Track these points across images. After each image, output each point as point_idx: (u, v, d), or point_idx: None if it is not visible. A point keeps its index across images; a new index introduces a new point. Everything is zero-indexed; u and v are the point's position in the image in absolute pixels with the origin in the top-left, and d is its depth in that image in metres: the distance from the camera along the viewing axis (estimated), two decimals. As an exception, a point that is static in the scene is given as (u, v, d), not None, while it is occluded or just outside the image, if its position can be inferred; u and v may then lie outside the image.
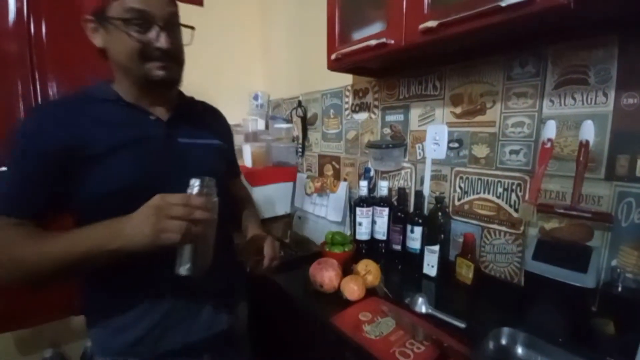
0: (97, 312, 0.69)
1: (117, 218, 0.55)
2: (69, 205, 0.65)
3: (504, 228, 0.99)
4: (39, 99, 1.31)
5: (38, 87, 1.31)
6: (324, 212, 1.52)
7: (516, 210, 0.95)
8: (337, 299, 0.94)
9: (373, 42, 0.92)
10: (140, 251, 0.53)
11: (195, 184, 0.56)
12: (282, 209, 1.76)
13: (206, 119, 0.83)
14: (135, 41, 0.62)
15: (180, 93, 0.81)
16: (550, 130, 0.86)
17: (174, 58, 0.67)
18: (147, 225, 0.52)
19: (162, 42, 0.63)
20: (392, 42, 0.89)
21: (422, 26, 0.80)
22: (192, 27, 0.71)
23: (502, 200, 0.98)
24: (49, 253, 0.55)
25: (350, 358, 0.76)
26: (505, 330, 0.80)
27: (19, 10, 1.26)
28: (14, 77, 1.27)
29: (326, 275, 0.95)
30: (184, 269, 0.55)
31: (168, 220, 0.51)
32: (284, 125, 1.83)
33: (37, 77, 1.31)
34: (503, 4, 0.65)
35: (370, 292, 0.97)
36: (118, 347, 0.68)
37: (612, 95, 0.77)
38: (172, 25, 0.66)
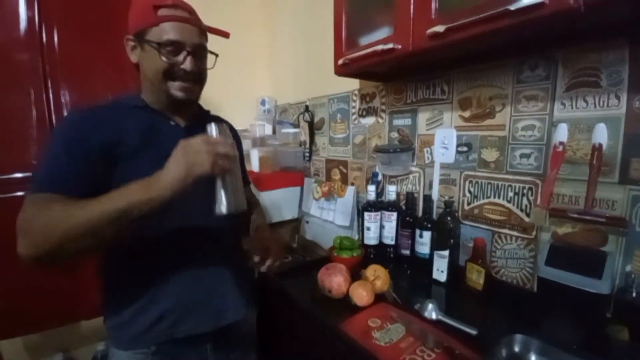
0: (113, 299, 0.76)
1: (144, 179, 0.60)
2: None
3: (515, 233, 0.97)
4: (52, 106, 1.33)
5: (51, 95, 1.33)
6: (332, 217, 1.52)
7: (528, 215, 0.94)
8: (345, 305, 0.93)
9: (380, 47, 0.92)
10: (177, 195, 0.59)
11: (212, 128, 0.65)
12: (289, 213, 1.76)
13: None
14: (165, 62, 0.71)
15: (199, 106, 0.90)
16: (562, 133, 0.84)
17: (196, 79, 0.77)
18: (179, 164, 0.59)
19: (187, 64, 0.73)
20: (400, 47, 0.89)
21: (429, 31, 0.79)
22: (216, 55, 0.81)
23: (513, 204, 0.97)
24: (84, 214, 0.57)
25: (361, 365, 0.76)
26: (519, 337, 0.79)
27: (30, 20, 1.29)
28: (27, 85, 1.30)
29: (335, 280, 0.95)
30: (222, 207, 0.63)
31: (196, 154, 0.59)
32: (291, 130, 1.83)
33: (49, 85, 1.33)
34: (512, 8, 0.64)
35: (379, 297, 0.96)
36: (129, 335, 0.74)
37: (624, 97, 0.76)
38: (199, 52, 0.76)
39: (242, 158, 1.00)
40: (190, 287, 0.77)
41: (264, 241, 0.86)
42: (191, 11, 0.76)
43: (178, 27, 0.71)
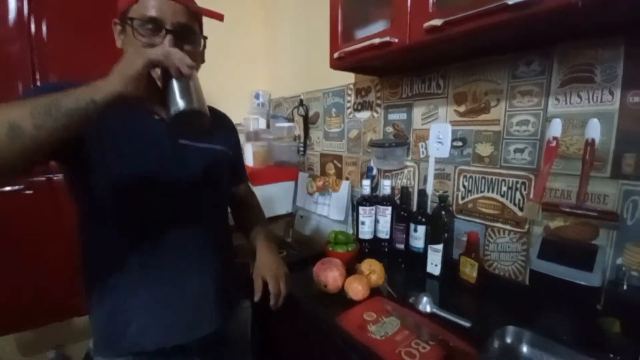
0: (91, 301, 0.72)
1: None
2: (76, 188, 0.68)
3: (508, 227, 0.98)
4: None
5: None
6: (326, 211, 1.52)
7: (521, 209, 0.95)
8: (341, 299, 0.94)
9: (377, 40, 0.92)
10: (130, 87, 0.51)
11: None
12: (283, 208, 1.76)
13: (213, 124, 0.79)
14: (141, 41, 0.64)
15: None
16: (555, 128, 0.85)
17: None
18: (133, 55, 0.52)
19: (166, 43, 0.64)
20: (397, 40, 0.89)
21: (427, 24, 0.79)
22: (204, 37, 0.73)
23: (507, 199, 0.98)
24: (37, 101, 0.48)
25: (356, 359, 0.76)
26: (511, 328, 0.80)
27: (19, 10, 1.25)
28: (15, 78, 1.26)
29: (330, 275, 0.95)
30: (179, 104, 0.54)
31: (150, 49, 0.57)
32: (286, 124, 1.82)
33: (37, 77, 1.30)
34: (510, 2, 0.64)
35: (375, 291, 0.97)
36: (104, 341, 0.72)
37: (618, 93, 0.76)
38: (184, 34, 0.67)
39: (239, 152, 0.97)
40: (160, 296, 0.71)
41: (264, 272, 0.82)
42: None
43: (158, 3, 0.64)
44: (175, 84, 0.55)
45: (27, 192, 1.30)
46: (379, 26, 0.97)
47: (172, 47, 0.58)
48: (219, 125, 0.87)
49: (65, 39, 1.34)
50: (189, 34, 0.69)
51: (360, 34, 1.04)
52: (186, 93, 0.55)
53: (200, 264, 0.76)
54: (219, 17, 0.72)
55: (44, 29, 1.31)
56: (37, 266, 1.35)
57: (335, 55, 1.10)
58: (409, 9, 0.85)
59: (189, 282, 0.74)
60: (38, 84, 1.30)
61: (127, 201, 0.67)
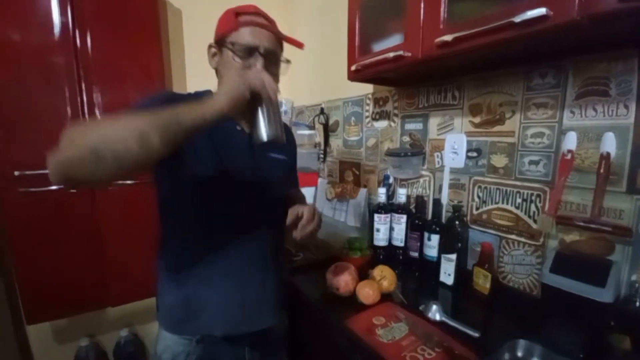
0: (163, 281, 0.82)
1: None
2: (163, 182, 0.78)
3: (523, 239, 0.98)
4: (85, 106, 1.43)
5: (84, 96, 1.43)
6: (344, 217, 1.56)
7: (535, 222, 0.95)
8: (352, 303, 0.97)
9: (391, 54, 0.95)
10: (231, 109, 0.59)
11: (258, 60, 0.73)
12: (303, 213, 1.81)
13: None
14: (238, 62, 0.75)
15: None
16: (570, 141, 0.85)
17: None
18: (235, 79, 0.61)
19: (258, 65, 0.75)
20: (410, 54, 0.92)
21: (437, 40, 0.82)
22: (289, 61, 0.83)
23: (521, 210, 0.98)
24: (130, 118, 0.52)
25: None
26: (522, 342, 0.80)
27: (64, 24, 1.37)
28: (62, 86, 1.39)
29: (342, 279, 0.99)
30: (262, 134, 0.65)
31: (250, 73, 0.65)
32: (307, 132, 1.88)
33: (83, 86, 1.43)
34: (517, 20, 0.66)
35: (386, 297, 0.99)
36: (173, 320, 0.80)
37: (633, 107, 0.76)
38: (271, 58, 0.78)
39: (295, 165, 1.05)
40: (231, 289, 0.80)
41: (296, 208, 0.83)
42: (270, 20, 0.80)
43: (255, 32, 0.75)
44: (264, 110, 0.65)
45: (72, 190, 1.43)
46: (394, 40, 1.00)
47: (265, 73, 0.66)
48: (286, 137, 0.92)
49: (106, 51, 1.46)
50: (275, 58, 0.79)
51: (376, 47, 1.08)
52: (272, 121, 0.66)
53: (266, 263, 0.86)
54: (300, 45, 0.81)
55: (89, 41, 1.44)
56: (73, 259, 1.47)
57: (353, 67, 1.14)
58: (421, 25, 0.88)
59: (255, 278, 0.84)
60: (84, 92, 1.43)
61: (212, 199, 0.77)
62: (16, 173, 1.34)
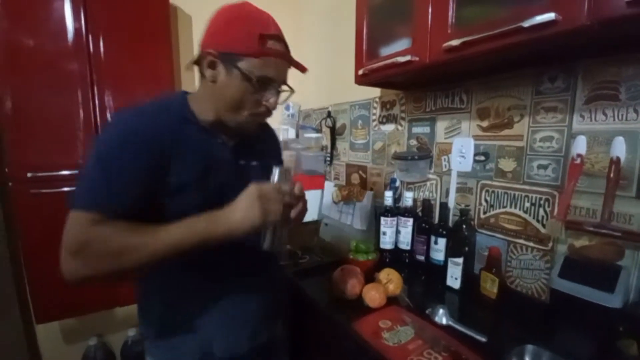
0: (151, 306, 0.76)
1: (216, 211, 0.62)
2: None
3: (531, 244, 0.97)
4: (97, 110, 1.47)
5: (97, 100, 1.46)
6: (350, 220, 1.56)
7: (544, 226, 0.94)
8: (358, 306, 0.97)
9: (399, 59, 0.96)
10: (242, 235, 0.61)
11: (276, 172, 0.67)
12: (310, 215, 1.81)
13: (261, 141, 0.86)
14: (254, 97, 0.68)
15: None
16: (580, 145, 0.84)
17: (270, 115, 0.74)
18: (255, 210, 0.60)
19: (272, 103, 0.69)
20: (417, 59, 0.93)
21: (445, 45, 0.82)
22: (293, 91, 0.75)
23: (530, 215, 0.97)
24: (149, 244, 0.58)
25: (369, 363, 0.79)
26: (530, 347, 0.79)
27: (77, 31, 1.41)
28: (75, 90, 1.43)
29: (349, 282, 0.99)
30: (265, 244, 0.66)
31: (269, 203, 0.61)
32: (314, 135, 1.89)
33: (95, 91, 1.46)
34: (525, 25, 0.66)
35: (392, 300, 0.99)
36: (166, 349, 0.75)
37: (643, 112, 0.75)
38: (281, 89, 0.72)
39: (280, 156, 1.00)
40: (230, 307, 0.76)
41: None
42: (287, 44, 0.70)
43: (277, 64, 0.67)
44: (272, 232, 0.66)
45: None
46: (402, 44, 1.01)
47: (286, 199, 0.63)
48: (266, 140, 0.91)
49: (118, 55, 1.50)
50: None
51: (384, 51, 1.09)
52: (277, 240, 0.67)
53: (262, 278, 0.82)
54: (304, 70, 0.74)
55: (101, 47, 1.47)
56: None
57: (360, 72, 1.15)
58: (429, 29, 0.88)
59: (252, 296, 0.79)
60: (96, 97, 1.46)
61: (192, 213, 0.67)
62: (29, 175, 1.37)
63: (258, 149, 0.82)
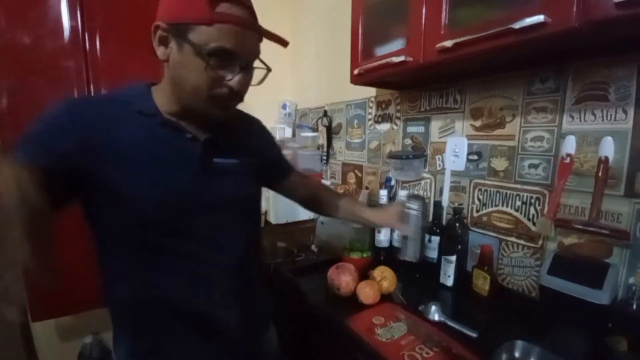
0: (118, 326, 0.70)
1: None
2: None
3: (522, 241, 0.99)
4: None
5: (92, 98, 1.46)
6: (346, 219, 1.57)
7: (534, 224, 0.96)
8: (353, 303, 0.98)
9: (393, 59, 0.97)
10: None
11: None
12: (306, 214, 1.82)
13: (245, 135, 0.77)
14: (211, 76, 0.56)
15: None
16: (569, 145, 0.86)
17: (239, 97, 0.62)
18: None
19: (236, 83, 0.58)
20: (411, 59, 0.94)
21: (438, 45, 0.84)
22: (269, 69, 0.63)
23: (521, 213, 0.99)
24: None
25: (361, 358, 0.81)
26: (519, 343, 0.81)
27: (74, 29, 1.41)
28: (72, 88, 1.43)
29: (343, 279, 1.00)
30: None
31: None
32: (310, 134, 1.90)
33: (92, 89, 1.46)
34: (516, 27, 0.68)
35: (386, 298, 1.01)
36: None
37: (631, 112, 0.77)
38: (250, 64, 0.61)
39: (275, 150, 0.90)
40: (195, 333, 0.65)
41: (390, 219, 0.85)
42: (252, 10, 0.58)
43: (236, 33, 0.54)
44: None
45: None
46: (397, 45, 1.02)
47: None
48: (253, 134, 0.81)
49: (115, 53, 1.49)
50: (253, 62, 0.61)
51: (379, 51, 1.10)
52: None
53: (235, 294, 0.69)
54: (284, 43, 0.63)
55: (97, 45, 1.47)
56: (78, 257, 1.50)
57: (355, 71, 1.16)
58: (423, 30, 0.90)
59: (225, 313, 0.67)
60: (92, 94, 1.46)
61: (149, 225, 0.58)
62: (25, 172, 1.37)
63: (241, 144, 0.72)
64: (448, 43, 0.81)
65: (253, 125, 0.84)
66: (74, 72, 1.43)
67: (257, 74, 0.64)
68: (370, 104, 1.55)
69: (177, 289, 0.63)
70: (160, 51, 0.59)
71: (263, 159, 0.78)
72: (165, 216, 0.59)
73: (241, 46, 0.56)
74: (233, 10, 0.54)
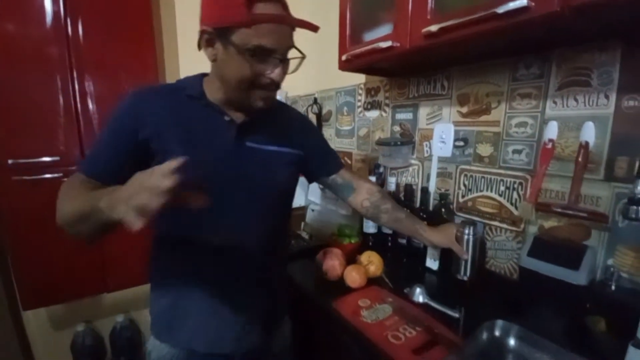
0: (153, 287, 0.78)
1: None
2: None
3: (505, 225, 1.01)
4: (77, 96, 1.44)
5: (76, 85, 1.43)
6: (335, 206, 1.58)
7: (517, 209, 0.98)
8: (340, 287, 1.00)
9: (380, 45, 0.97)
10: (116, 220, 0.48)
11: None
12: (297, 201, 1.83)
13: (285, 126, 0.81)
14: (252, 71, 0.63)
15: None
16: (551, 131, 0.88)
17: (278, 87, 0.69)
18: (122, 205, 0.46)
19: (276, 75, 0.65)
20: (398, 44, 0.93)
21: (424, 30, 0.83)
22: (304, 56, 0.70)
23: (504, 198, 1.01)
24: (74, 201, 0.59)
25: (347, 340, 0.83)
26: (499, 322, 0.83)
27: (56, 14, 1.37)
28: (55, 76, 1.39)
29: (330, 264, 1.02)
30: None
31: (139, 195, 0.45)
32: (300, 121, 1.89)
33: (75, 76, 1.43)
34: (499, 11, 0.68)
35: (373, 281, 1.03)
36: (159, 327, 0.76)
37: (613, 97, 0.78)
38: (286, 57, 0.67)
39: (320, 146, 0.94)
40: (213, 302, 0.73)
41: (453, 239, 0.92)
42: (285, 3, 0.63)
43: (273, 30, 0.60)
44: None
45: (65, 179, 1.43)
46: (384, 30, 1.01)
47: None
48: (292, 126, 0.84)
49: (99, 41, 1.46)
50: (288, 53, 0.67)
51: (367, 37, 1.09)
52: None
53: (258, 273, 0.76)
54: (315, 29, 0.67)
55: (80, 30, 1.43)
56: (69, 246, 1.49)
57: (343, 57, 1.15)
58: (409, 15, 0.89)
59: (245, 292, 0.75)
60: (76, 82, 1.43)
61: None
62: (10, 162, 1.35)
63: (276, 132, 0.77)
64: (434, 28, 0.81)
65: (296, 119, 0.90)
66: (57, 59, 1.39)
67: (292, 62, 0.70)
68: (360, 91, 1.55)
69: (202, 260, 0.71)
70: (208, 52, 0.66)
71: (302, 151, 0.83)
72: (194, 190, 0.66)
73: (277, 41, 0.62)
74: (268, 8, 0.59)
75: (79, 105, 1.45)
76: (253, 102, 0.68)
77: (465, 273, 0.93)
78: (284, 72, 0.68)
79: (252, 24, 0.58)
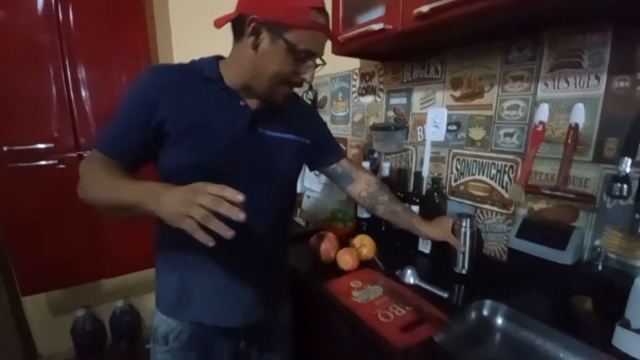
0: (160, 262, 0.79)
1: (166, 184, 0.56)
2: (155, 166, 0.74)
3: (495, 208, 1.02)
4: (70, 84, 1.43)
5: (69, 73, 1.42)
6: (330, 191, 1.59)
7: (507, 192, 0.99)
8: (333, 269, 1.02)
9: (372, 27, 0.96)
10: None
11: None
12: (292, 188, 1.84)
13: (295, 116, 0.83)
14: (292, 68, 0.68)
15: None
16: (542, 113, 0.88)
17: (302, 86, 0.75)
18: (175, 206, 0.52)
19: (309, 76, 0.70)
20: (390, 27, 0.93)
21: (415, 11, 0.82)
22: (324, 63, 0.74)
23: (495, 181, 1.02)
24: (107, 190, 0.61)
25: (338, 319, 0.85)
26: (488, 302, 0.85)
27: (46, 2, 1.35)
28: (47, 64, 1.38)
29: (323, 247, 1.03)
30: None
31: (194, 206, 0.51)
32: (296, 108, 1.88)
33: (67, 64, 1.42)
34: (489, -10, 0.67)
35: (365, 264, 1.04)
36: (166, 302, 0.78)
37: (604, 78, 0.78)
38: (316, 61, 0.72)
39: (324, 135, 0.97)
40: (222, 278, 0.75)
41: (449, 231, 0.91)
42: (328, 17, 0.70)
43: (320, 38, 0.68)
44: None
45: (60, 166, 1.45)
46: (377, 12, 1.00)
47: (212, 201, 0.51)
48: (300, 115, 0.86)
49: (90, 28, 1.45)
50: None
51: (360, 20, 1.08)
52: None
53: (263, 253, 0.78)
54: (338, 42, 0.75)
55: (71, 18, 1.41)
56: (68, 232, 1.51)
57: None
58: (401, -4, 0.88)
59: (250, 270, 0.77)
60: (68, 70, 1.42)
61: (195, 178, 0.61)
62: (5, 148, 1.35)
63: (285, 120, 0.79)
64: (425, 8, 0.80)
65: (304, 108, 0.93)
66: (48, 45, 1.38)
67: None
68: (355, 76, 1.54)
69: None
70: (250, 40, 0.66)
71: (308, 139, 0.85)
72: (206, 171, 0.68)
73: (320, 48, 0.70)
74: (320, 19, 0.66)
75: (71, 92, 1.44)
76: (277, 95, 0.72)
77: (463, 266, 0.93)
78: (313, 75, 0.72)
79: (310, 28, 0.65)
